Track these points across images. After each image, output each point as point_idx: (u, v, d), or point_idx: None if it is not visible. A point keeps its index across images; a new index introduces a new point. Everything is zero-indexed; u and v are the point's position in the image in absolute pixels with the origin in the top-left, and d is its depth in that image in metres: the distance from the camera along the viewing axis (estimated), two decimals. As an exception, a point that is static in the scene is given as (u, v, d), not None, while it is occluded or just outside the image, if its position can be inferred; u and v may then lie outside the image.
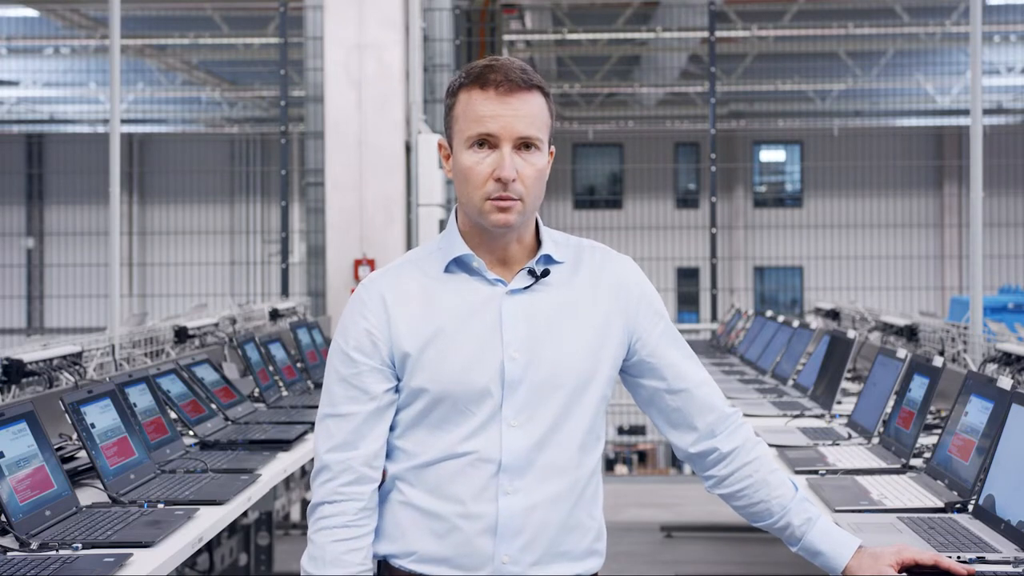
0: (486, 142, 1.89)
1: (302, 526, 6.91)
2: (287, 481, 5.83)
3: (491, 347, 1.90)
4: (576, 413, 1.93)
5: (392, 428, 1.95)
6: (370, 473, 1.92)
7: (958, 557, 2.34)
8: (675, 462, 15.27)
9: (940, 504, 2.76)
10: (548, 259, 1.97)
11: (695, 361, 2.06)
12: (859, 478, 3.11)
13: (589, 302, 1.97)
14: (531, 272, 1.95)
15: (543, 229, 2.00)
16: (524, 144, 1.90)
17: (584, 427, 1.94)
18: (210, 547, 4.75)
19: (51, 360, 3.70)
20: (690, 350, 2.07)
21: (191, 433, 3.81)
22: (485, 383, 1.89)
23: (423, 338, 1.91)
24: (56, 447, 2.96)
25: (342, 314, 2.00)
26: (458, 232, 1.97)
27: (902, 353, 3.75)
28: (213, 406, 4.09)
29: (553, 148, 1.98)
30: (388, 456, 1.96)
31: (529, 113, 1.89)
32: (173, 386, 3.89)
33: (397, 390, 1.94)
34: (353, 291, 2.07)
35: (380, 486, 1.96)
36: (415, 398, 1.92)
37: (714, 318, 9.07)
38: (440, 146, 2.00)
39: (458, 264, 1.96)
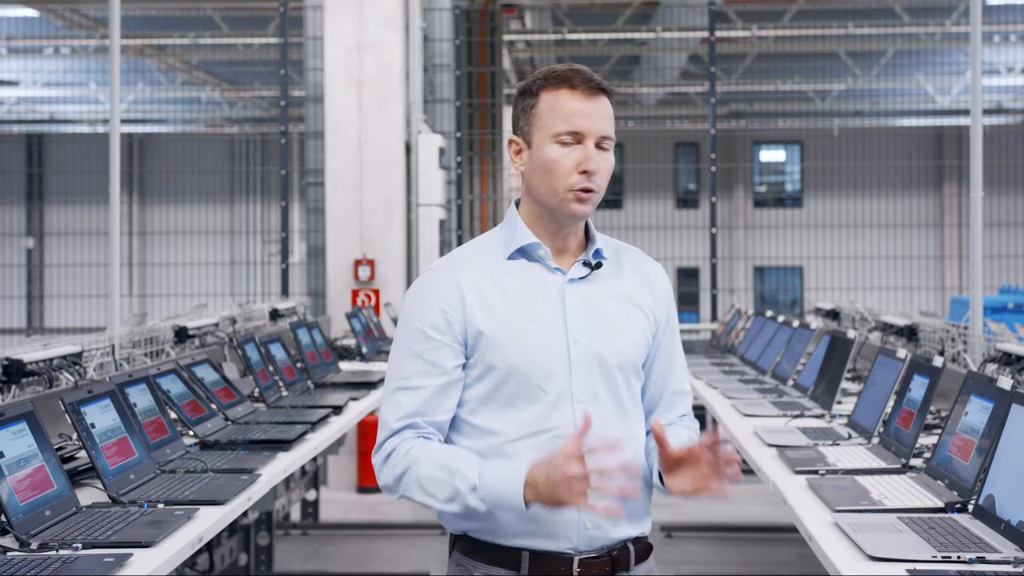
0: (572, 138, 2.05)
1: (302, 526, 6.91)
2: (287, 481, 5.83)
3: (557, 330, 2.07)
4: (630, 392, 2.13)
5: (461, 405, 2.08)
6: (438, 435, 2.08)
7: (958, 557, 2.34)
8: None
9: (940, 504, 2.76)
10: (599, 253, 2.15)
11: (683, 370, 2.26)
12: (859, 478, 3.11)
13: (634, 294, 2.16)
14: (586, 263, 2.13)
15: (591, 226, 2.18)
16: (603, 141, 2.07)
17: (634, 401, 2.14)
18: (210, 547, 4.75)
19: (51, 360, 3.70)
20: (683, 359, 2.27)
21: (191, 433, 3.81)
22: (554, 363, 2.05)
23: (496, 318, 2.06)
24: (56, 447, 2.95)
25: (408, 296, 2.14)
26: (522, 222, 2.13)
27: (902, 353, 3.75)
28: (213, 406, 4.09)
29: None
30: (463, 434, 2.09)
31: (607, 115, 2.09)
32: (173, 386, 3.89)
33: (465, 367, 2.08)
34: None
35: None
36: (486, 375, 2.06)
37: (714, 318, 9.07)
38: (511, 142, 2.14)
39: (521, 252, 2.12)
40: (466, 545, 2.08)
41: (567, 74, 2.07)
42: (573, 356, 2.06)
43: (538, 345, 2.05)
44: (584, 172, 2.04)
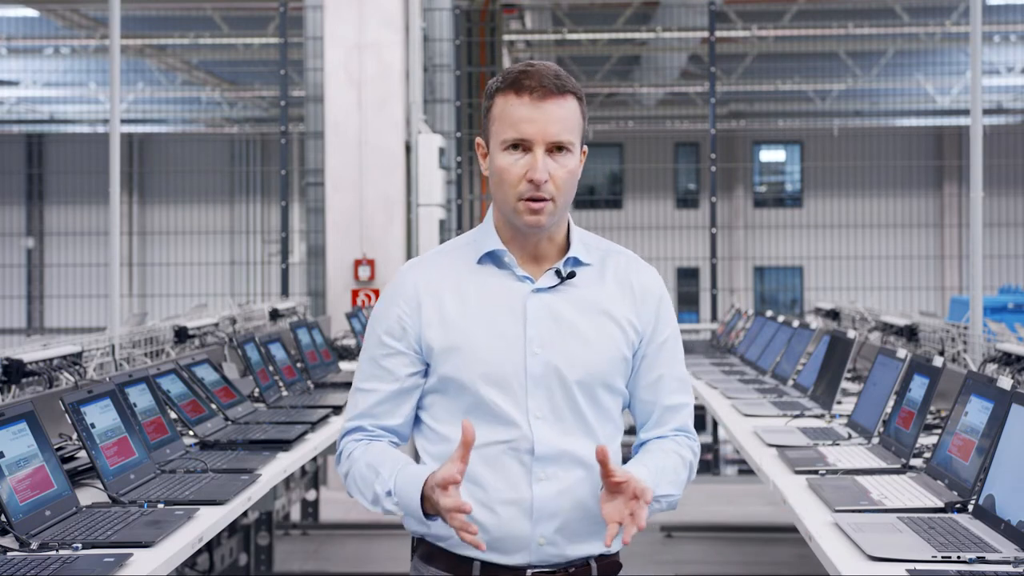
0: (520, 145, 1.97)
1: (302, 526, 6.91)
2: (287, 481, 5.83)
3: (514, 342, 1.99)
4: (595, 407, 2.02)
5: (425, 408, 2.06)
6: (388, 437, 2.07)
7: (958, 557, 2.34)
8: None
9: (940, 504, 2.76)
10: (576, 261, 2.05)
11: (679, 384, 2.12)
12: (859, 478, 3.11)
13: (611, 304, 2.05)
14: (558, 273, 2.03)
15: (574, 230, 2.09)
16: (556, 147, 1.98)
17: (603, 419, 2.04)
18: (210, 547, 4.75)
19: (51, 360, 3.70)
20: (681, 371, 2.13)
21: (191, 433, 3.81)
22: (508, 377, 1.98)
23: (450, 330, 2.00)
24: (56, 447, 2.95)
25: (379, 297, 2.12)
26: (493, 227, 2.06)
27: (902, 353, 3.75)
28: (213, 406, 4.09)
29: (585, 148, 2.06)
30: (425, 437, 2.07)
31: (562, 117, 1.98)
32: (173, 386, 3.89)
33: (425, 375, 2.04)
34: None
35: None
36: (440, 386, 2.02)
37: (714, 318, 9.07)
38: (478, 145, 2.07)
39: (490, 258, 2.05)
40: (424, 550, 2.04)
41: (516, 77, 1.97)
42: (530, 370, 1.98)
43: (491, 358, 1.97)
44: (531, 181, 1.95)
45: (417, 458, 2.07)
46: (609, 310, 2.04)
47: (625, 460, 2.03)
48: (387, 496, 1.94)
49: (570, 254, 2.04)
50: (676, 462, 2.06)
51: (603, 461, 1.87)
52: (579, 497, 1.98)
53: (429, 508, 1.89)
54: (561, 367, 1.98)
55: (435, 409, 2.04)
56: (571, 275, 2.02)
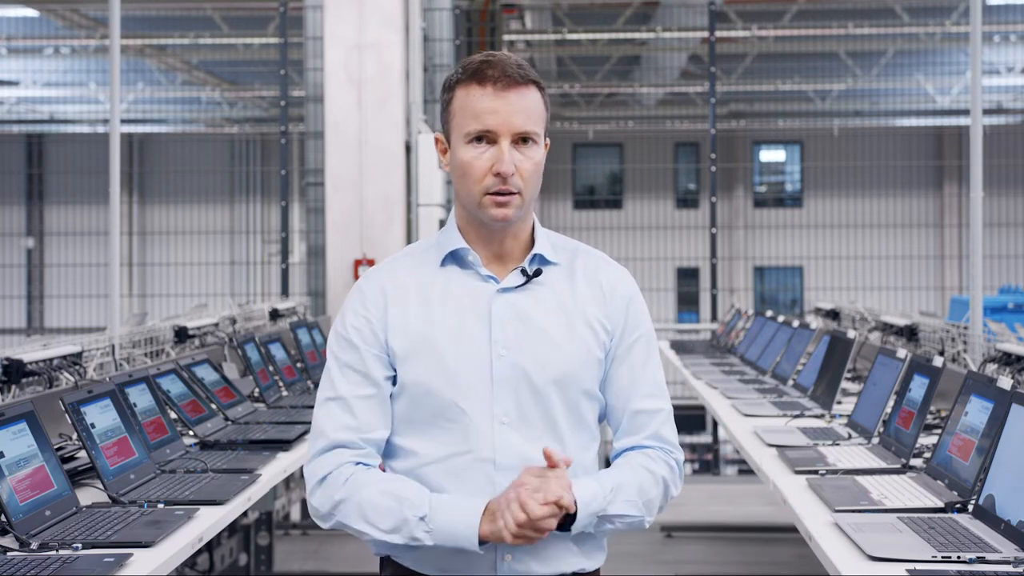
0: (484, 137, 1.90)
1: (302, 526, 6.91)
2: (287, 481, 5.84)
3: (479, 344, 1.91)
4: (566, 411, 1.94)
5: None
6: (373, 452, 1.95)
7: (958, 557, 2.34)
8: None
9: (940, 504, 2.76)
10: (541, 259, 1.98)
11: (652, 387, 2.02)
12: (859, 478, 3.11)
13: (579, 304, 1.97)
14: (523, 272, 1.96)
15: (539, 230, 2.02)
16: (522, 138, 1.91)
17: (575, 424, 1.95)
18: (210, 547, 4.75)
19: (51, 360, 3.70)
20: (655, 375, 2.03)
21: (191, 433, 3.81)
22: (473, 381, 1.90)
23: (414, 334, 1.93)
24: (56, 447, 2.95)
25: (342, 305, 2.02)
26: (456, 227, 1.99)
27: (902, 353, 3.75)
28: (213, 406, 4.09)
29: (548, 140, 1.99)
30: (390, 454, 1.97)
31: (526, 108, 1.91)
32: (173, 386, 3.89)
33: (394, 382, 1.95)
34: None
35: None
36: (403, 392, 1.93)
37: (714, 318, 9.07)
38: (437, 140, 2.01)
39: (454, 258, 1.98)
40: (391, 570, 1.96)
41: (478, 67, 1.91)
42: (496, 372, 1.90)
43: (455, 361, 1.90)
44: (498, 174, 1.89)
45: None
46: (579, 310, 1.96)
47: (611, 463, 1.98)
48: (419, 521, 1.83)
49: (535, 251, 1.97)
50: (643, 479, 1.95)
51: (550, 461, 1.80)
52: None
53: (486, 531, 1.80)
54: (529, 369, 1.91)
55: (396, 421, 1.95)
56: (537, 272, 1.96)
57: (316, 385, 5.19)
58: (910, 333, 5.19)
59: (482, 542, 1.82)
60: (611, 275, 2.02)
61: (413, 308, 1.94)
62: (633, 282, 2.05)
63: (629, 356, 2.00)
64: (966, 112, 13.86)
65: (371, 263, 8.04)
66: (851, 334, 4.51)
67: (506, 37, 11.49)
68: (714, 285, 9.22)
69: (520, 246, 1.99)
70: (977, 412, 2.86)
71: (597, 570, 1.99)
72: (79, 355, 3.90)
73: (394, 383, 1.95)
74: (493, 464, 1.89)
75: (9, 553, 2.46)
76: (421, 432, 1.91)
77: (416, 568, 1.92)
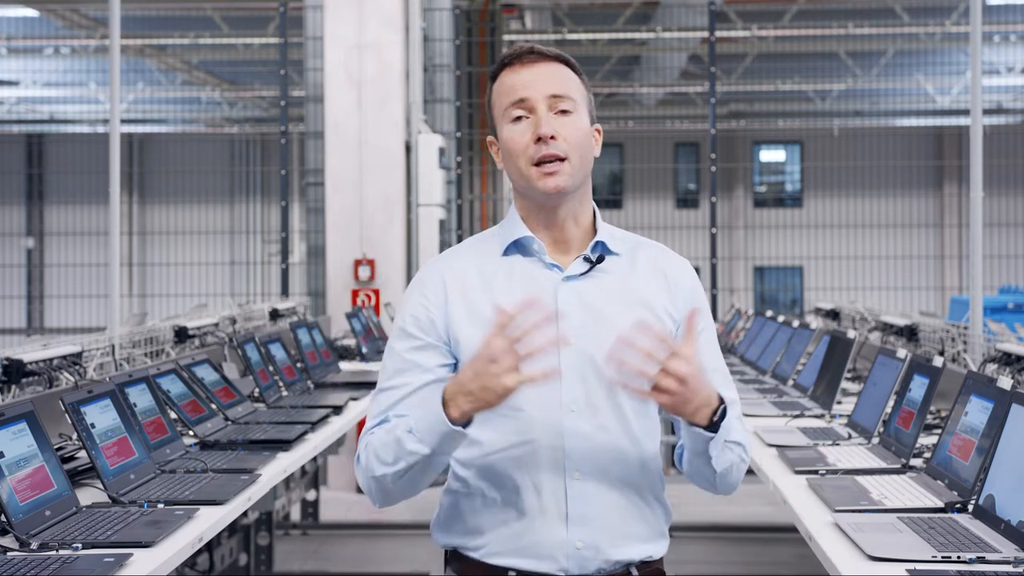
0: (522, 112, 1.92)
1: (302, 526, 6.91)
2: (287, 481, 5.83)
3: (546, 333, 1.87)
4: (633, 400, 1.92)
5: None
6: None
7: (958, 557, 2.34)
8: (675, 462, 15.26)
9: (940, 504, 2.76)
10: (603, 246, 1.98)
11: (723, 378, 2.00)
12: (859, 478, 3.11)
13: (645, 293, 1.97)
14: (587, 259, 1.96)
15: (600, 220, 2.02)
16: (561, 110, 1.92)
17: (641, 414, 1.94)
18: (210, 547, 4.75)
19: (51, 360, 3.70)
20: (722, 365, 2.02)
21: (191, 433, 3.81)
22: (541, 369, 1.86)
23: (479, 323, 1.90)
24: (56, 447, 2.95)
25: (406, 292, 2.02)
26: (519, 217, 1.99)
27: (902, 353, 3.75)
28: (213, 406, 4.09)
29: (599, 127, 2.00)
30: None
31: (558, 76, 1.93)
32: (173, 386, 3.89)
33: (455, 369, 1.93)
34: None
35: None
36: None
37: (714, 318, 9.08)
38: (491, 143, 2.02)
39: (517, 247, 1.97)
40: (457, 564, 1.97)
41: (507, 54, 1.96)
42: (564, 361, 1.89)
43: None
44: (539, 140, 1.89)
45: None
46: (645, 299, 1.96)
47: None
48: (408, 434, 1.82)
49: (597, 238, 1.97)
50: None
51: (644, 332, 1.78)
52: (618, 497, 1.91)
53: (456, 411, 1.78)
54: (596, 358, 1.89)
55: None
56: (600, 259, 1.95)
57: (316, 385, 5.22)
58: (910, 333, 5.19)
59: (467, 422, 1.79)
60: (674, 265, 2.04)
61: (477, 296, 1.93)
62: (695, 272, 2.07)
63: (703, 346, 1.97)
64: (966, 112, 13.86)
65: (371, 263, 8.04)
66: (851, 334, 4.51)
67: (506, 37, 11.48)
68: (714, 285, 9.22)
69: (582, 233, 1.98)
70: (977, 412, 2.86)
71: (661, 559, 1.99)
72: (79, 355, 3.90)
73: (454, 370, 1.93)
74: (563, 451, 1.89)
75: (9, 553, 2.46)
76: (485, 421, 1.86)
77: (483, 559, 1.92)
